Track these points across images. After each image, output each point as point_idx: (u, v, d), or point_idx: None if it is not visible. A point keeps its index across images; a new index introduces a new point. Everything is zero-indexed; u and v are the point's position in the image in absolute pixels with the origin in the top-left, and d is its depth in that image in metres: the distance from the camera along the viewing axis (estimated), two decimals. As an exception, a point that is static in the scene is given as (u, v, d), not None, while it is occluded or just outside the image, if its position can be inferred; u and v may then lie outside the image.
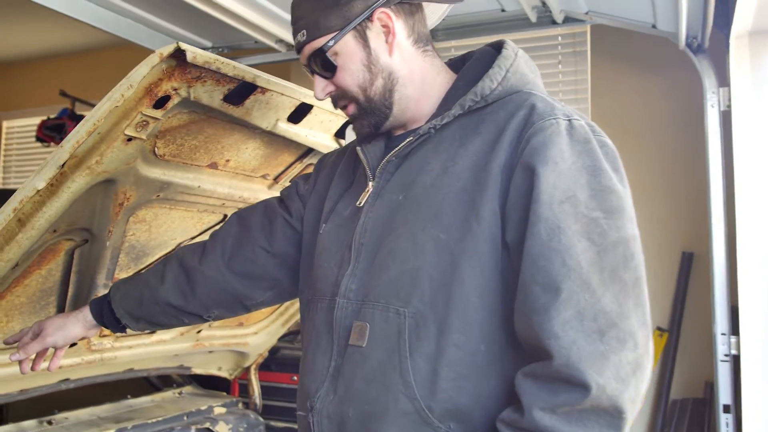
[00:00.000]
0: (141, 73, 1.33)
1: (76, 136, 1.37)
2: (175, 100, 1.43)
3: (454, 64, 1.43)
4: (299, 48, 1.33)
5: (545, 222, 1.12)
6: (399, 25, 1.31)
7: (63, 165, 1.40)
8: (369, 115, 1.35)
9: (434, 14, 1.46)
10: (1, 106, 6.33)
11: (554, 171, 1.15)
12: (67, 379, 2.35)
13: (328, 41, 1.28)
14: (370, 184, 1.38)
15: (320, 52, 1.29)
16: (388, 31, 1.30)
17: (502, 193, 1.20)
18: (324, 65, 1.30)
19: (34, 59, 6.08)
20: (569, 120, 1.21)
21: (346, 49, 1.29)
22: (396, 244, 1.28)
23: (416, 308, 1.23)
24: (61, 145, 1.39)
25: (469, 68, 1.37)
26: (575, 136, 1.19)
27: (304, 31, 1.30)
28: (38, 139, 5.38)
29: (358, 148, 1.41)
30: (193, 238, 2.10)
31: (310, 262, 1.47)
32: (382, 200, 1.34)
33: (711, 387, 3.38)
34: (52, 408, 2.51)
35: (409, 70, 1.33)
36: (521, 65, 1.32)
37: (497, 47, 1.37)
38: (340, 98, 1.36)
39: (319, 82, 1.34)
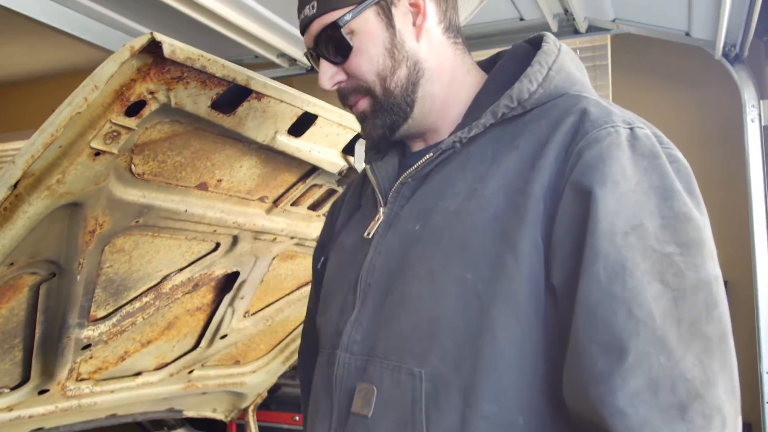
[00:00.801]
0: (108, 71, 1.08)
1: (31, 149, 1.13)
2: (152, 107, 1.19)
3: (483, 67, 1.18)
4: (306, 24, 1.07)
5: (605, 259, 0.86)
6: (431, 6, 1.07)
7: (16, 185, 1.16)
8: (385, 113, 1.09)
9: (465, 8, 1.22)
10: (-6, 129, 6.13)
11: (615, 193, 0.89)
12: (40, 429, 2.08)
13: (343, 15, 1.03)
14: (381, 210, 1.12)
15: (333, 29, 1.04)
16: (417, 11, 1.06)
17: (546, 222, 0.93)
18: (336, 46, 1.05)
19: (28, 79, 5.89)
20: (631, 128, 0.95)
21: (366, 27, 1.04)
22: (410, 287, 1.02)
23: (435, 369, 0.97)
24: (12, 160, 1.14)
25: (501, 67, 1.12)
26: (639, 149, 0.93)
27: (315, 2, 1.05)
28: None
29: (367, 167, 1.16)
30: (181, 270, 1.85)
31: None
32: (395, 231, 1.08)
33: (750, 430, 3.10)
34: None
35: (438, 63, 1.08)
36: (566, 62, 1.06)
37: (535, 43, 1.12)
38: (352, 91, 1.10)
39: (327, 68, 1.08)
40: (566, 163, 0.94)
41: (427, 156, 1.07)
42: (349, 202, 1.27)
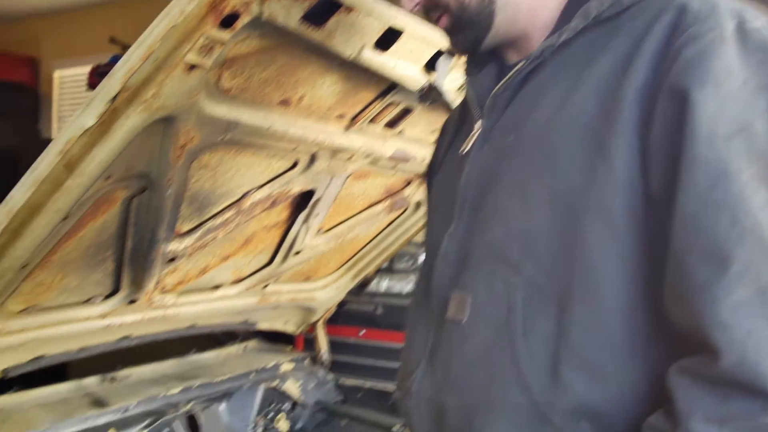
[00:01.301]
0: (204, -18, 1.07)
1: (129, 63, 1.13)
2: (244, 19, 1.18)
3: None
4: None
5: (705, 165, 0.82)
6: None
7: (114, 98, 1.17)
8: (465, 27, 1.06)
9: None
10: (52, 55, 6.20)
11: (717, 94, 0.83)
12: (127, 337, 2.20)
13: None
14: (477, 124, 1.11)
15: None
16: None
17: (641, 127, 0.88)
18: None
19: (83, 6, 5.90)
20: (739, 20, 0.87)
21: None
22: (502, 199, 1.02)
23: (530, 278, 0.97)
24: (110, 74, 1.16)
25: None
26: (749, 43, 0.86)
27: None
28: (90, 86, 5.24)
29: (466, 81, 1.15)
30: (261, 187, 1.87)
31: None
32: (490, 144, 1.07)
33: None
34: (114, 364, 2.38)
35: None
36: None
37: None
38: (432, 8, 1.07)
39: None
40: (663, 63, 0.88)
41: (518, 66, 1.03)
42: (454, 121, 1.26)
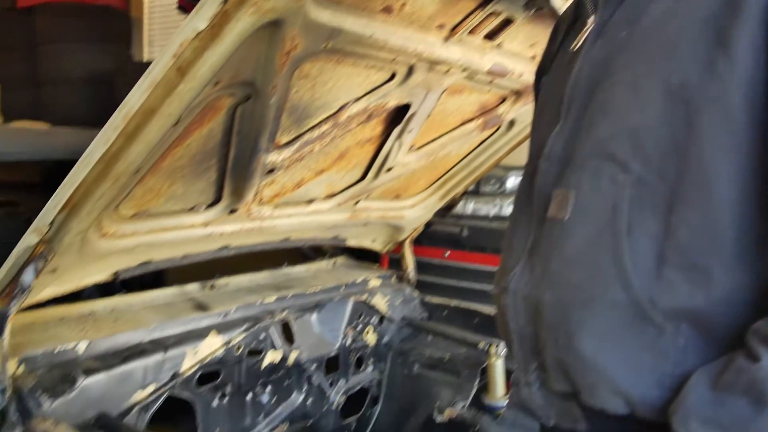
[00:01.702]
0: None
1: (240, -37, 1.13)
2: None
3: None
4: None
5: None
6: None
7: (225, 0, 1.18)
8: None
9: None
10: (143, -22, 6.29)
11: None
12: (226, 246, 2.29)
13: None
14: (591, 19, 1.08)
15: None
16: None
17: (767, 20, 0.85)
18: None
19: None
20: None
21: None
22: (613, 95, 1.00)
23: (639, 175, 0.96)
24: (222, -25, 1.16)
25: None
26: None
27: None
28: (180, 8, 5.29)
29: None
30: (358, 99, 1.87)
31: None
32: (604, 40, 1.05)
33: None
34: (212, 273, 2.49)
35: None
36: None
37: None
38: None
39: None
40: None
41: None
42: (566, 20, 1.23)
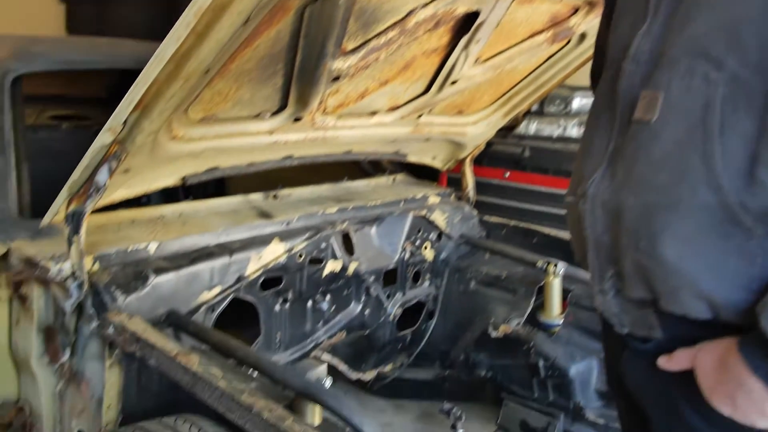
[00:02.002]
0: None
1: None
2: None
3: None
4: None
5: None
6: None
7: None
8: None
9: None
10: None
11: None
12: (290, 156, 2.31)
13: None
14: None
15: None
16: None
17: None
18: None
19: None
20: None
21: None
22: None
23: (734, 72, 0.92)
24: None
25: None
26: None
27: None
28: None
29: None
30: (426, 5, 1.82)
31: None
32: None
33: None
34: (273, 187, 2.53)
35: None
36: None
37: None
38: None
39: None
40: None
41: None
42: None
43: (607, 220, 1.07)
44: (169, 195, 2.84)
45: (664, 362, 1.07)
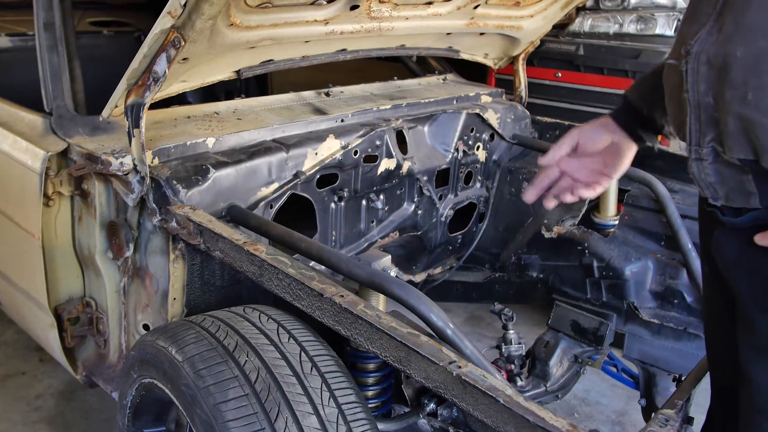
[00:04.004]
0: None
1: None
2: None
3: None
4: None
5: None
6: None
7: None
8: None
9: None
10: None
11: None
12: (344, 50, 2.24)
13: None
14: None
15: None
16: None
17: None
18: None
19: None
20: None
21: None
22: None
23: None
24: None
25: None
26: None
27: None
28: None
29: None
30: None
31: None
32: None
33: None
34: (326, 84, 2.47)
35: None
36: None
37: None
38: None
39: None
40: None
41: None
42: None
43: (711, 79, 1.03)
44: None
45: (761, 239, 1.03)
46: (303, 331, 1.46)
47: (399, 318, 1.48)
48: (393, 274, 1.55)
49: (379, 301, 1.53)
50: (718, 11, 1.03)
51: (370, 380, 1.64)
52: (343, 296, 1.38)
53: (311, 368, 1.36)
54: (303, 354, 1.38)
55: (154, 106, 1.86)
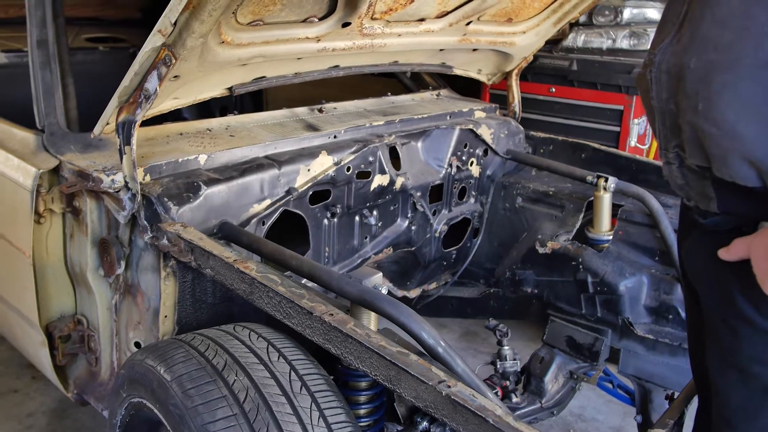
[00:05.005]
0: None
1: None
2: None
3: None
4: None
5: None
6: None
7: None
8: None
9: None
10: None
11: None
12: (337, 66, 2.24)
13: None
14: None
15: None
16: None
17: None
18: None
19: None
20: None
21: None
22: None
23: None
24: None
25: None
26: None
27: None
28: None
29: None
30: None
31: None
32: None
33: None
34: (319, 100, 2.48)
35: None
36: None
37: None
38: None
39: None
40: None
41: None
42: None
43: (671, 87, 1.07)
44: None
45: (723, 253, 1.06)
46: (293, 349, 1.46)
47: (390, 336, 1.47)
48: (384, 291, 1.54)
49: (371, 319, 1.52)
50: (680, 22, 1.07)
51: (362, 398, 1.62)
52: (332, 315, 1.37)
53: (301, 387, 1.35)
54: (293, 373, 1.38)
55: (147, 122, 1.86)
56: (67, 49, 2.10)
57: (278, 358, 1.41)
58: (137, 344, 1.91)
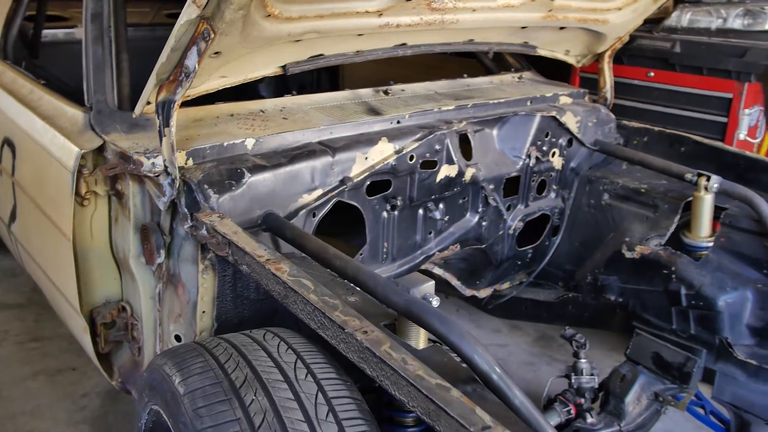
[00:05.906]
0: None
1: None
2: None
3: None
4: None
5: None
6: None
7: None
8: None
9: None
10: None
11: None
12: (404, 44, 2.04)
13: None
14: None
15: None
16: None
17: None
18: None
19: None
20: None
21: None
22: None
23: None
24: None
25: None
26: None
27: None
28: None
29: None
30: None
31: None
32: None
33: None
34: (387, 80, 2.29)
35: None
36: None
37: None
38: None
39: None
40: None
41: None
42: None
43: None
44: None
45: None
46: (325, 366, 1.28)
47: (439, 355, 1.28)
48: (435, 303, 1.35)
49: (420, 334, 1.33)
50: None
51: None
52: (366, 332, 1.19)
53: (327, 413, 1.17)
54: (320, 395, 1.20)
55: (197, 102, 1.73)
56: (125, 23, 2.00)
57: (306, 376, 1.23)
58: (177, 337, 1.80)
